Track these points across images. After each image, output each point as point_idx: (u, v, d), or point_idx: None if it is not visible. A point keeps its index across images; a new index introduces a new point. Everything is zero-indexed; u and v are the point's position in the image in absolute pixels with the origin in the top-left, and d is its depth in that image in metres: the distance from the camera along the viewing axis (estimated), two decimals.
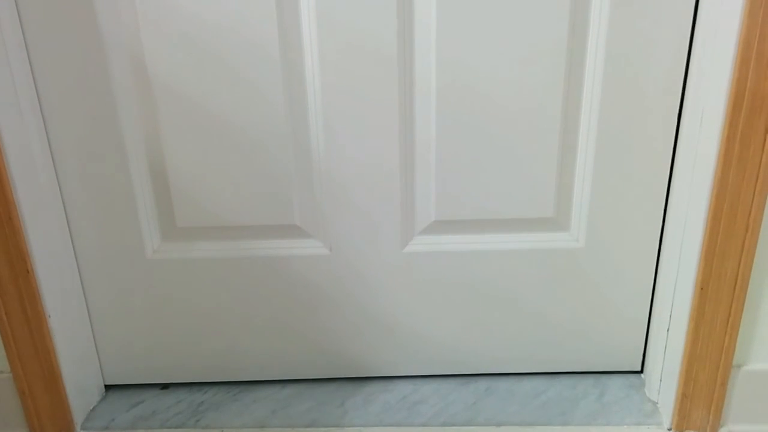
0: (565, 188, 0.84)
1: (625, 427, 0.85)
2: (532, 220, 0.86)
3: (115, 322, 0.90)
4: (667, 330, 0.84)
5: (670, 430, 0.85)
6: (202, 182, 0.83)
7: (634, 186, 0.83)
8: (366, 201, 0.84)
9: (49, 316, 0.80)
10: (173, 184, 0.83)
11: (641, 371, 0.95)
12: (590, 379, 0.94)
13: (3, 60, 0.71)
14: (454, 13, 0.75)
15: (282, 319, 0.91)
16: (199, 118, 0.80)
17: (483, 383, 0.93)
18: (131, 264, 0.87)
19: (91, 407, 0.91)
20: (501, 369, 0.95)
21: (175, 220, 0.85)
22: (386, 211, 0.85)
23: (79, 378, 0.88)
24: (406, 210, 0.85)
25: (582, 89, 0.78)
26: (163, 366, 0.94)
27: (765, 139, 0.69)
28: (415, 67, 0.78)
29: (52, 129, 0.79)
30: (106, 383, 0.94)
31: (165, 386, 0.94)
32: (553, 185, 0.83)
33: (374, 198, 0.84)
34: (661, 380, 0.87)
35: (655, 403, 0.88)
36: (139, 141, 0.81)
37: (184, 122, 0.80)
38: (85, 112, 0.78)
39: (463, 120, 0.80)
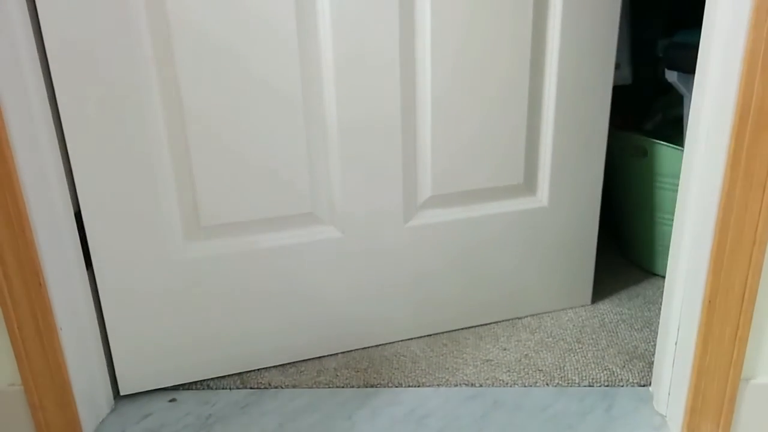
0: (532, 158, 1.04)
1: None
2: (508, 187, 1.04)
3: (129, 329, 0.91)
4: (675, 343, 0.83)
5: None
6: (225, 178, 0.87)
7: (583, 152, 1.05)
8: (374, 186, 0.96)
9: (61, 329, 0.81)
10: (198, 182, 0.86)
11: (592, 304, 1.17)
12: (598, 392, 0.94)
13: (12, 55, 0.72)
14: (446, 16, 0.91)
15: (299, 300, 0.98)
16: (223, 116, 0.84)
17: (490, 396, 0.93)
18: (152, 268, 0.89)
19: (101, 419, 0.91)
20: (488, 319, 1.12)
21: (199, 219, 0.88)
22: (392, 192, 0.97)
23: (90, 390, 0.89)
24: (409, 189, 0.99)
25: (543, 78, 0.99)
26: (175, 366, 0.95)
27: None
28: (416, 72, 0.92)
29: (68, 135, 0.80)
30: (116, 394, 0.95)
31: (173, 399, 0.95)
32: (523, 156, 1.03)
33: (381, 182, 0.96)
34: (669, 394, 0.87)
35: (663, 417, 0.88)
36: (163, 141, 0.84)
37: (209, 120, 0.84)
38: (103, 111, 0.80)
39: (455, 105, 0.95)
